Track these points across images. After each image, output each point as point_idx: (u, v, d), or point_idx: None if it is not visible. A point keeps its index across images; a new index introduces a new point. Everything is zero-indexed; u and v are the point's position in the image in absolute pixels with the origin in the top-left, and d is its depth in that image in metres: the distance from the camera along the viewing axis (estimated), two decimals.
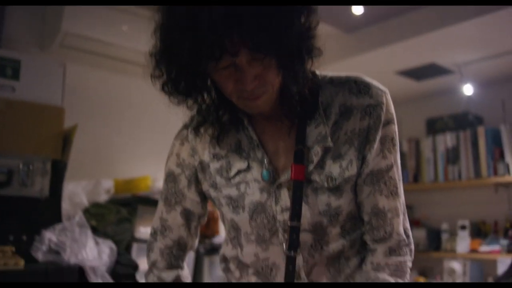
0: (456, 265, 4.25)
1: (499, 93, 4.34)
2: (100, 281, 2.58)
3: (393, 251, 1.24)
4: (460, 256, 4.29)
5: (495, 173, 4.12)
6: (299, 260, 1.22)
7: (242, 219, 1.26)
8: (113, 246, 2.71)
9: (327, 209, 1.20)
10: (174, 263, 1.42)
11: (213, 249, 3.36)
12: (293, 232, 1.20)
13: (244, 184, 1.25)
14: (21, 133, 2.68)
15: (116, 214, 2.93)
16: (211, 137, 1.30)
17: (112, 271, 2.70)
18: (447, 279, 4.29)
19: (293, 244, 1.19)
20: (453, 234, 4.44)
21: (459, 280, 4.21)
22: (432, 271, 4.63)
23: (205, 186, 1.34)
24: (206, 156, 1.31)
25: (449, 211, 4.55)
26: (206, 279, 3.31)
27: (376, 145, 1.21)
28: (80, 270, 2.56)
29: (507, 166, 4.04)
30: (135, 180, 3.21)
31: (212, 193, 1.31)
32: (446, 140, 4.38)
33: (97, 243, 2.64)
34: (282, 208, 1.21)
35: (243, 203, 1.24)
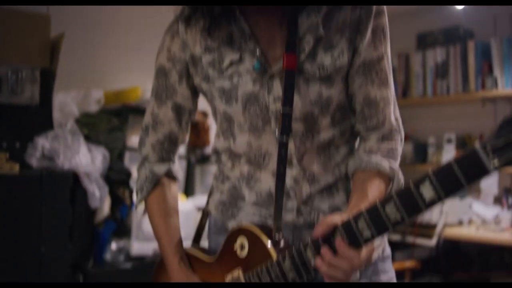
0: None
1: (490, 7, 4.30)
2: (94, 186, 2.65)
3: (385, 138, 1.28)
4: None
5: (483, 87, 4.15)
6: (291, 147, 1.26)
7: (235, 110, 1.26)
8: (106, 153, 2.76)
9: (318, 99, 1.22)
10: (166, 156, 1.44)
11: (204, 159, 3.42)
12: (285, 118, 1.22)
13: (236, 75, 1.25)
14: (8, 42, 2.65)
15: (108, 123, 2.95)
16: (202, 30, 1.29)
17: (106, 177, 2.76)
18: None
19: (285, 130, 1.22)
20: (439, 148, 4.53)
21: None
22: None
23: (197, 80, 1.34)
24: (197, 49, 1.31)
25: (436, 126, 4.63)
26: (198, 186, 3.40)
27: (368, 35, 1.22)
28: (74, 176, 2.62)
29: (495, 80, 4.07)
30: (125, 91, 3.20)
31: (204, 86, 1.32)
32: (436, 54, 4.37)
33: (89, 150, 2.68)
34: (275, 97, 1.23)
35: (236, 95, 1.25)
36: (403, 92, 4.67)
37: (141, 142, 1.45)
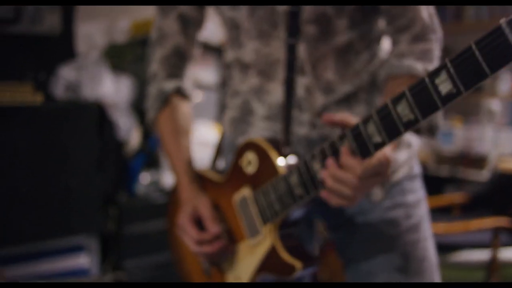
0: (496, 106, 4.08)
1: None
2: (121, 116, 2.57)
3: (417, 38, 1.08)
4: (501, 97, 4.10)
5: None
6: (303, 53, 1.10)
7: (241, 15, 1.13)
8: (133, 83, 2.66)
9: None
10: (174, 72, 1.31)
11: None
12: (293, 18, 1.06)
13: None
14: None
15: (135, 53, 2.84)
16: None
17: (136, 108, 2.67)
18: (486, 120, 4.15)
19: (293, 31, 1.07)
20: (494, 77, 4.22)
21: (497, 121, 4.07)
22: (471, 112, 4.48)
23: None
24: None
25: None
26: None
27: None
28: (100, 107, 2.54)
29: None
30: (153, 20, 3.05)
31: None
32: None
33: (115, 81, 2.59)
34: None
35: None
36: (455, 16, 4.31)
37: (150, 59, 1.33)
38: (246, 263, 1.15)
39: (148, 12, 3.20)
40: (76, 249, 2.53)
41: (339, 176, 0.89)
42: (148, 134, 2.79)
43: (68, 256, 2.51)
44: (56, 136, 2.45)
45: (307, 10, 1.06)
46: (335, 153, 0.92)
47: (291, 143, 1.10)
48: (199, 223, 1.19)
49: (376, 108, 0.84)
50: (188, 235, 1.18)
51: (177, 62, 1.31)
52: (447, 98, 0.75)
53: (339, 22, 1.09)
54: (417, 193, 1.19)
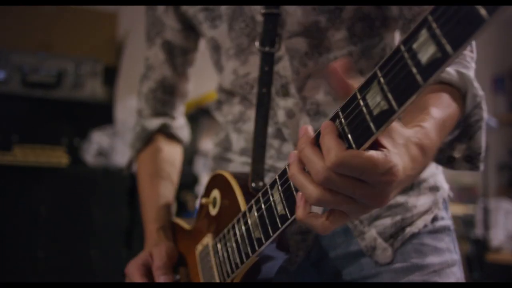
0: None
1: None
2: None
3: None
4: None
5: None
6: (287, 70, 0.88)
7: (221, 32, 0.96)
8: None
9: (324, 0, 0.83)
10: (160, 110, 1.15)
11: None
12: (269, 22, 0.86)
13: None
14: (72, 37, 2.57)
15: None
16: None
17: None
18: None
19: (268, 36, 0.85)
20: None
21: None
22: None
23: (183, 7, 1.04)
24: None
25: None
26: None
27: None
28: (133, 176, 2.40)
29: None
30: (199, 97, 2.98)
31: (190, 10, 1.02)
32: None
33: None
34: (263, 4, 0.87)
35: (220, 11, 0.94)
36: None
37: (137, 97, 1.20)
38: None
39: (192, 90, 3.14)
40: None
41: (307, 155, 0.55)
42: (183, 207, 2.59)
43: None
44: (82, 202, 2.31)
45: (294, 21, 0.86)
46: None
47: (263, 176, 0.83)
48: (150, 273, 0.93)
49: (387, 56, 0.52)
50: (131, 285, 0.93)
51: (164, 97, 1.16)
52: None
53: (336, 34, 0.87)
54: (444, 255, 0.87)
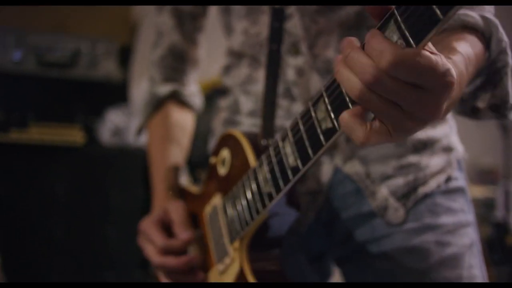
0: None
1: None
2: None
3: None
4: None
5: None
6: (297, 28, 0.85)
7: None
8: None
9: None
10: (171, 76, 1.13)
11: None
12: None
13: None
14: (88, 17, 2.56)
15: None
16: None
17: (186, 160, 2.50)
18: None
19: None
20: None
21: None
22: None
23: None
24: None
25: None
26: None
27: None
28: (145, 154, 2.40)
29: None
30: (215, 78, 2.96)
31: None
32: None
33: None
34: None
35: None
36: None
37: (149, 65, 1.18)
38: None
39: (209, 74, 3.12)
40: None
41: (352, 59, 0.49)
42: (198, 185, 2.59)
43: None
44: (97, 181, 2.32)
45: None
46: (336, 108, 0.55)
47: (273, 134, 0.82)
48: (168, 231, 0.90)
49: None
50: (151, 242, 0.89)
51: (175, 64, 1.14)
52: None
53: None
54: (458, 215, 0.84)
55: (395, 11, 0.48)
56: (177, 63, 1.14)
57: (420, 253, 0.81)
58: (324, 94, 0.57)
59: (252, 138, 0.81)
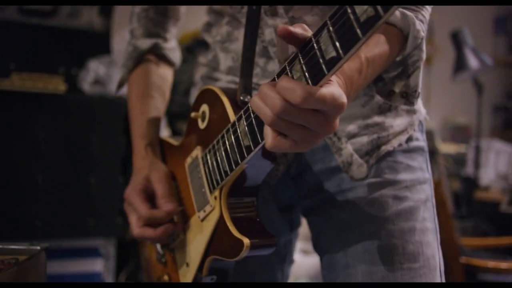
0: None
1: None
2: None
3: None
4: None
5: None
6: None
7: None
8: None
9: None
10: (152, 30, 1.15)
11: None
12: None
13: None
14: None
15: None
16: None
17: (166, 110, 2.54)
18: None
19: None
20: None
21: None
22: None
23: None
24: None
25: None
26: None
27: None
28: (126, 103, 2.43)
29: None
30: (196, 29, 2.95)
31: None
32: None
33: None
34: None
35: None
36: None
37: (130, 17, 1.18)
38: (196, 244, 0.92)
39: (193, 25, 3.12)
40: (91, 253, 2.38)
41: (265, 94, 0.62)
42: (177, 136, 2.64)
43: (83, 259, 2.36)
44: (79, 130, 2.34)
45: None
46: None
47: (251, 91, 0.87)
48: (150, 198, 0.97)
49: (329, 14, 0.59)
50: (135, 211, 0.95)
51: (157, 17, 1.16)
52: None
53: None
54: (415, 172, 0.92)
55: (299, 54, 0.62)
56: (158, 16, 1.15)
57: (379, 205, 0.88)
58: (299, 55, 0.62)
59: (231, 94, 0.86)
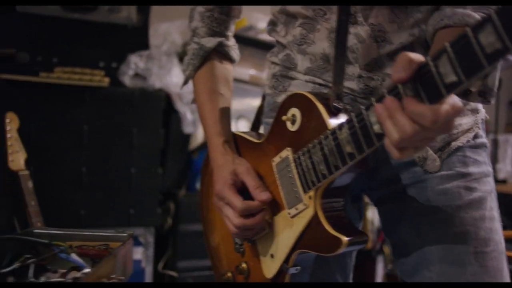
0: None
1: None
2: (187, 109, 2.51)
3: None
4: None
5: None
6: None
7: None
8: None
9: None
10: (217, 29, 1.19)
11: None
12: None
13: None
14: None
15: None
16: None
17: None
18: None
19: None
20: None
21: None
22: None
23: None
24: None
25: None
26: None
27: None
28: (167, 97, 2.51)
29: None
30: None
31: None
32: None
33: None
34: None
35: None
36: None
37: (191, 14, 1.23)
38: (283, 238, 1.00)
39: None
40: None
41: (397, 117, 0.70)
42: None
43: None
44: (121, 122, 2.44)
45: None
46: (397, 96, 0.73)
47: (341, 97, 0.94)
48: (240, 191, 1.04)
49: (450, 40, 0.65)
50: (230, 205, 1.03)
51: (221, 17, 1.20)
52: None
53: None
54: (482, 166, 1.01)
55: (416, 76, 0.68)
56: (223, 16, 1.19)
57: (452, 195, 0.97)
58: (415, 76, 0.69)
59: (324, 100, 0.93)
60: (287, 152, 0.98)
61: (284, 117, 0.99)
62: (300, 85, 1.09)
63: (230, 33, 1.23)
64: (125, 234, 1.01)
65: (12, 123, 2.10)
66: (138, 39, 2.56)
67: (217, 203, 1.06)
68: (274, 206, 1.03)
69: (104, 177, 2.41)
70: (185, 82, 1.24)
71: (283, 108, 1.00)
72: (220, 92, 1.17)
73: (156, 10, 2.70)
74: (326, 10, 1.02)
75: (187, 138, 2.67)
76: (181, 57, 2.62)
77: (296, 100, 0.97)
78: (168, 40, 2.76)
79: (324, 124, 0.89)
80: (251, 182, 1.02)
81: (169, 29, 2.83)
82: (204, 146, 2.70)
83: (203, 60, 1.18)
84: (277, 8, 1.13)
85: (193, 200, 2.62)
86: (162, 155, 2.54)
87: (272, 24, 1.17)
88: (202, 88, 1.18)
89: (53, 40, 2.42)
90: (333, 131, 0.86)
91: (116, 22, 2.50)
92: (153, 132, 2.49)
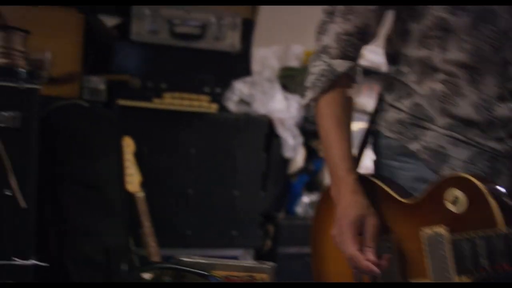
0: None
1: None
2: (288, 134, 2.59)
3: None
4: None
5: None
6: None
7: (459, 21, 1.00)
8: (300, 103, 2.67)
9: None
10: (351, 54, 1.13)
11: None
12: None
13: None
14: None
15: (305, 77, 2.85)
16: None
17: (301, 129, 2.68)
18: None
19: None
20: None
21: None
22: None
23: None
24: None
25: None
26: None
27: None
28: (269, 122, 2.60)
29: None
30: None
31: None
32: None
33: (286, 98, 2.63)
34: None
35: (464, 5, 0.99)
36: None
37: (322, 29, 1.15)
38: None
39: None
40: None
41: None
42: (312, 155, 2.77)
43: None
44: (227, 145, 2.56)
45: None
46: None
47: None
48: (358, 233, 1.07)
49: None
50: (343, 243, 1.06)
51: (358, 43, 1.14)
52: None
53: None
54: None
55: None
56: (360, 42, 1.14)
57: None
58: None
59: (497, 196, 0.94)
60: (440, 229, 1.01)
61: (443, 195, 1.00)
62: (436, 137, 1.08)
63: (360, 56, 1.19)
64: (269, 266, 1.05)
65: (128, 147, 2.25)
66: (241, 65, 2.65)
67: (335, 235, 1.09)
68: (412, 267, 1.06)
69: (208, 198, 2.52)
70: (308, 102, 1.17)
71: (443, 186, 1.01)
72: (347, 122, 1.13)
73: (257, 37, 2.78)
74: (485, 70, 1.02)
75: (286, 162, 2.74)
76: (283, 84, 2.69)
77: (462, 184, 0.98)
78: (267, 66, 2.84)
79: (493, 220, 0.92)
80: (369, 234, 1.06)
81: (266, 54, 2.91)
82: (303, 171, 2.77)
83: (331, 83, 1.12)
84: (413, 53, 1.10)
85: (292, 223, 2.70)
86: (263, 179, 2.62)
87: (392, 59, 1.17)
88: (329, 113, 1.12)
89: (162, 67, 2.55)
90: (507, 236, 0.89)
91: (221, 49, 2.59)
92: (255, 156, 2.59)
